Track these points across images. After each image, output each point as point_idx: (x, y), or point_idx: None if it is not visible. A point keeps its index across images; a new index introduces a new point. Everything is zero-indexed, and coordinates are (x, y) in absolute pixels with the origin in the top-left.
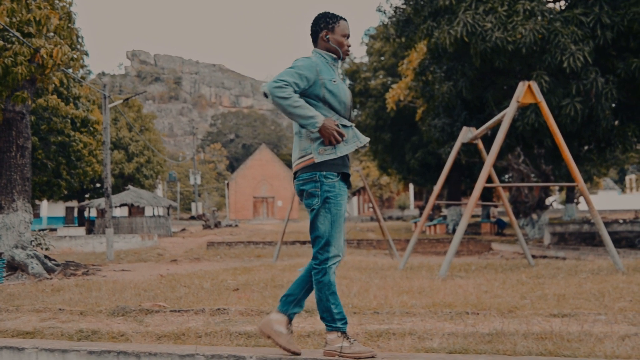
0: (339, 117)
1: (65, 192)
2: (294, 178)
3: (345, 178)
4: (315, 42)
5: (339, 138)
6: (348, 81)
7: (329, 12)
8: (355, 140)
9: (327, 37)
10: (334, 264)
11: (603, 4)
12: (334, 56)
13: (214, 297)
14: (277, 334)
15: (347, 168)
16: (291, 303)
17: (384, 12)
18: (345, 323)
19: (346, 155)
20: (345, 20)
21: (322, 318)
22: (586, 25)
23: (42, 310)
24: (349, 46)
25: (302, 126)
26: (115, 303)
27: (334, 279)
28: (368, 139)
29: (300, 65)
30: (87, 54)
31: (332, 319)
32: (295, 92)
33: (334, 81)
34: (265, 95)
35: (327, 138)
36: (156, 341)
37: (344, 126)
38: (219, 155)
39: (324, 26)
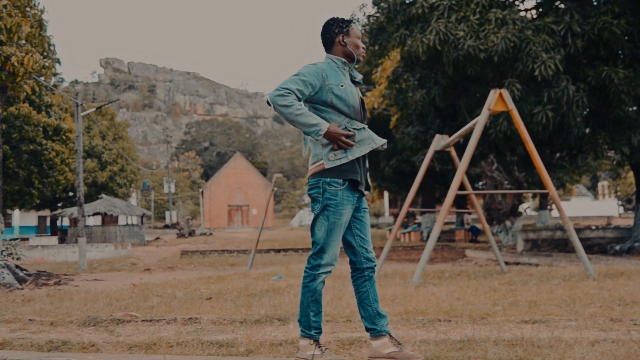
0: (350, 120)
1: (38, 201)
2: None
3: (355, 184)
4: (329, 48)
5: (348, 141)
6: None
7: (338, 18)
8: (370, 141)
9: (345, 40)
10: (325, 272)
11: (574, 13)
12: (344, 60)
13: (187, 307)
14: (393, 355)
15: (356, 174)
16: (374, 320)
17: (358, 21)
18: (319, 333)
19: (358, 160)
20: (354, 23)
21: (299, 321)
22: (557, 33)
23: (12, 321)
24: (364, 48)
25: (306, 134)
26: (87, 313)
27: (321, 287)
28: (385, 141)
29: (304, 72)
30: (59, 62)
31: (308, 325)
32: (299, 99)
33: (342, 85)
34: (269, 103)
35: (336, 143)
36: (127, 351)
37: (356, 129)
38: (194, 164)
39: (339, 31)
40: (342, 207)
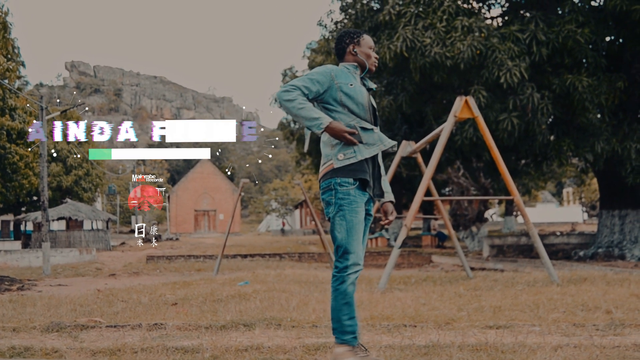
0: (360, 120)
1: (1, 206)
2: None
3: (365, 184)
4: (342, 58)
5: (353, 136)
6: None
7: (351, 29)
8: (379, 143)
9: (355, 50)
10: (353, 272)
11: (539, 22)
12: (355, 65)
13: (152, 312)
14: None
15: (365, 174)
16: None
17: (325, 27)
18: (356, 338)
19: (367, 162)
20: (367, 34)
21: (333, 330)
22: (522, 41)
23: None
24: (376, 58)
25: (308, 128)
26: (50, 319)
27: (352, 289)
28: (394, 142)
29: (313, 71)
30: (23, 65)
31: (342, 331)
32: (305, 95)
33: (351, 85)
34: (276, 100)
35: (340, 139)
36: (91, 357)
37: (365, 129)
38: (160, 168)
39: (350, 41)
40: (357, 205)
